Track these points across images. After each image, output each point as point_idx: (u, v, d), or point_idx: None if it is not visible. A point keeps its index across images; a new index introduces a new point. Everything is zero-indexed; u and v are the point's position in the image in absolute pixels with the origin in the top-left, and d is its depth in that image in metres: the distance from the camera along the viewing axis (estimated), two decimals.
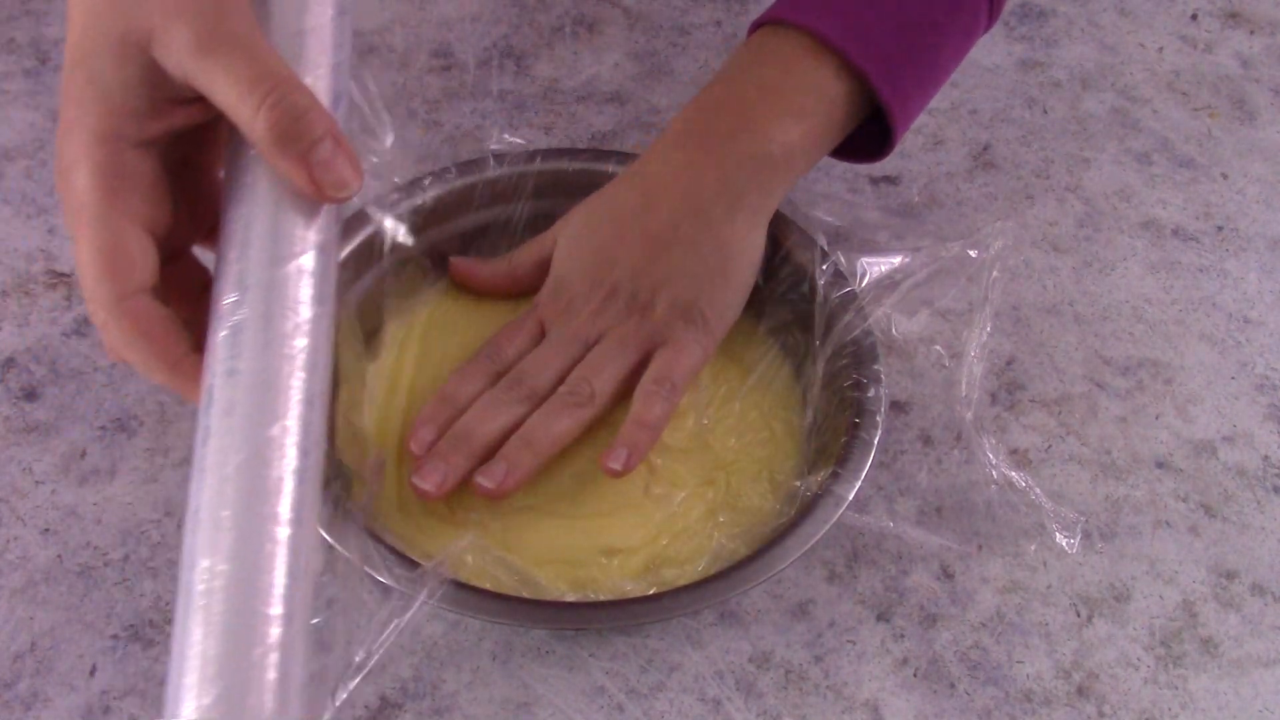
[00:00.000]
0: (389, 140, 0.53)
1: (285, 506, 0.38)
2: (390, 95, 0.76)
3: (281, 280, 0.41)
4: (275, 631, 0.37)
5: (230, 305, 0.40)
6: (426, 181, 0.62)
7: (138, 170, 0.42)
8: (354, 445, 0.57)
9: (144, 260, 0.42)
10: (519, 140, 0.65)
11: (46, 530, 0.56)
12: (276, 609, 0.37)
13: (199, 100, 0.41)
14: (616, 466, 0.54)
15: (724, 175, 0.58)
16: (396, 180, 0.62)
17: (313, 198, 0.41)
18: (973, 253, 0.60)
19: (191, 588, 0.37)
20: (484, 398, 0.56)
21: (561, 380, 0.56)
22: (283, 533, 0.38)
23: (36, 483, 0.58)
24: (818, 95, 0.59)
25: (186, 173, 0.45)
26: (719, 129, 0.59)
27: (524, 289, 0.62)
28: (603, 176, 0.62)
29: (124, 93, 0.41)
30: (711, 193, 0.58)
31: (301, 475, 0.39)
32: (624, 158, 0.63)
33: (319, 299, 0.41)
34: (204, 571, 0.37)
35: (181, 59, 0.40)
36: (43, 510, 0.57)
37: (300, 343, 0.40)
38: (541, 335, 0.59)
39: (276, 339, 0.40)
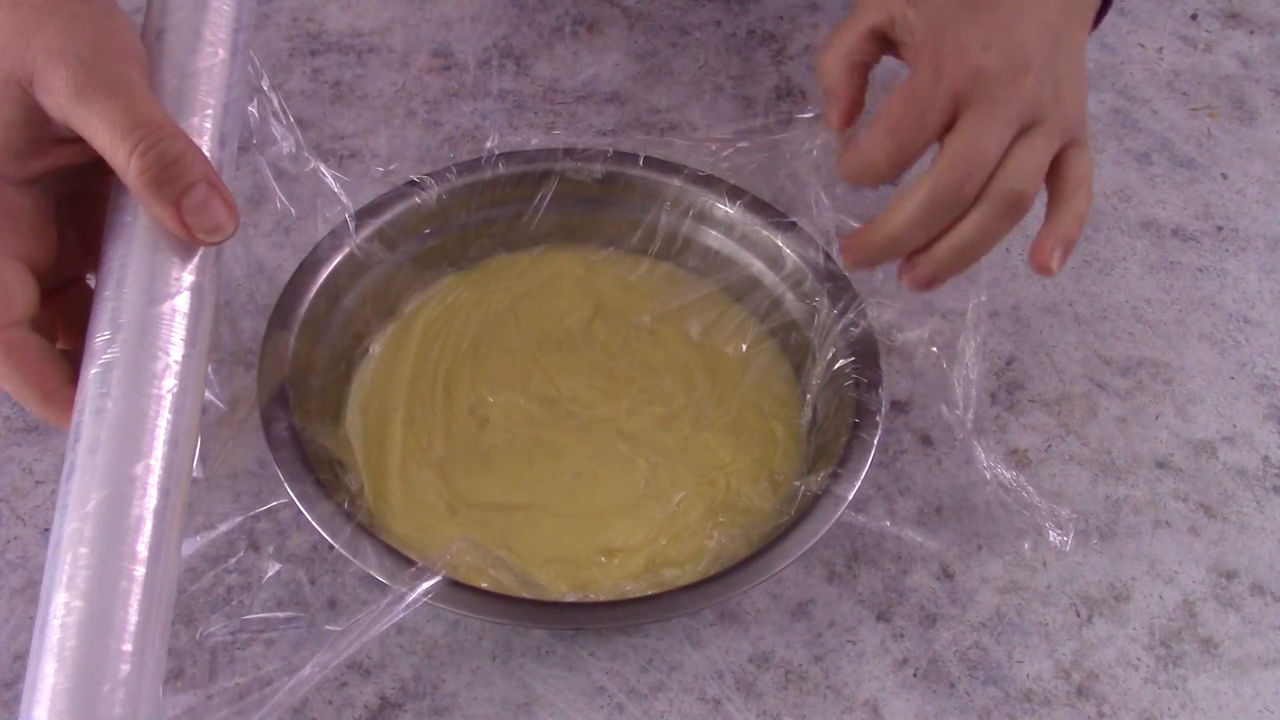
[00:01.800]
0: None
1: (143, 544, 0.39)
2: (390, 95, 0.76)
3: (154, 320, 0.42)
4: (125, 668, 0.38)
5: (102, 343, 0.41)
6: (426, 181, 0.62)
7: (18, 208, 0.43)
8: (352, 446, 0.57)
9: (21, 294, 0.43)
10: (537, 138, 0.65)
11: (46, 530, 0.56)
12: (128, 645, 0.38)
13: (82, 140, 0.42)
14: (1055, 266, 0.52)
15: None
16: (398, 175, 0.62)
17: (186, 240, 0.42)
18: None
19: (47, 621, 0.38)
20: (923, 201, 0.52)
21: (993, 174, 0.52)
22: (139, 571, 0.39)
23: (36, 483, 0.58)
24: None
25: (81, 204, 0.46)
26: None
27: (858, 99, 0.57)
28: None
29: (4, 132, 0.42)
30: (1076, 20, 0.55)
31: (161, 514, 0.40)
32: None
33: (190, 340, 0.42)
34: (59, 606, 0.38)
35: (60, 102, 0.41)
36: (43, 510, 0.57)
37: (169, 383, 0.41)
38: (954, 113, 0.52)
39: (145, 379, 0.41)
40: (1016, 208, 0.52)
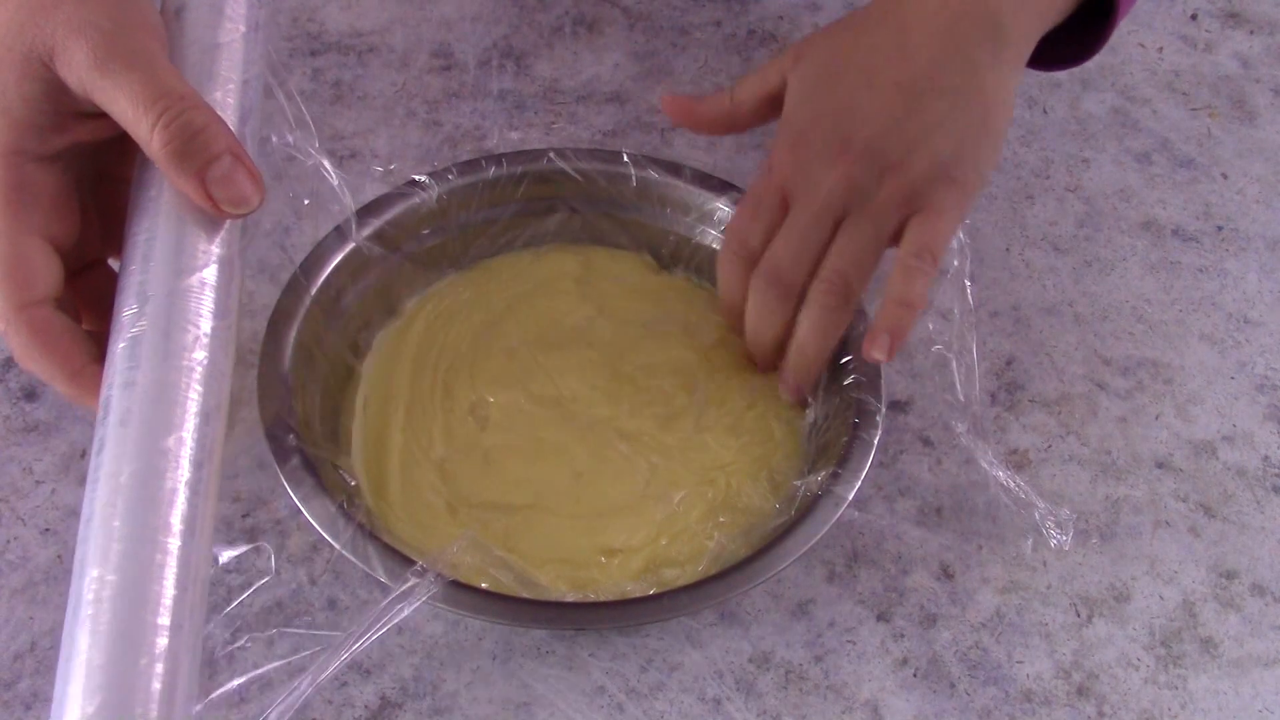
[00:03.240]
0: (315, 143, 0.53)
1: (177, 518, 0.39)
2: (390, 95, 0.76)
3: (183, 293, 0.41)
4: (162, 641, 0.37)
5: (130, 317, 0.41)
6: (426, 181, 0.62)
7: (40, 184, 0.43)
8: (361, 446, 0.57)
9: (46, 272, 0.42)
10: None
11: (46, 530, 0.56)
12: (164, 619, 0.37)
13: (103, 116, 0.42)
14: (881, 355, 0.51)
15: (992, 12, 0.52)
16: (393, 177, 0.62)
17: (211, 213, 0.42)
18: None
19: (80, 596, 0.37)
20: (751, 303, 0.55)
21: (816, 263, 0.53)
22: (173, 544, 0.38)
23: (37, 483, 0.58)
24: None
25: (102, 186, 0.46)
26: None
27: (744, 125, 0.58)
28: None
29: (26, 108, 0.41)
30: (978, 32, 0.52)
31: (194, 488, 0.39)
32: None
33: (220, 312, 0.42)
34: (93, 581, 0.37)
35: (81, 75, 0.41)
36: (43, 510, 0.57)
37: (199, 355, 0.41)
38: (784, 205, 0.54)
39: (175, 351, 0.40)
40: (837, 299, 0.53)
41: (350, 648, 0.46)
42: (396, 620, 0.47)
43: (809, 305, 0.54)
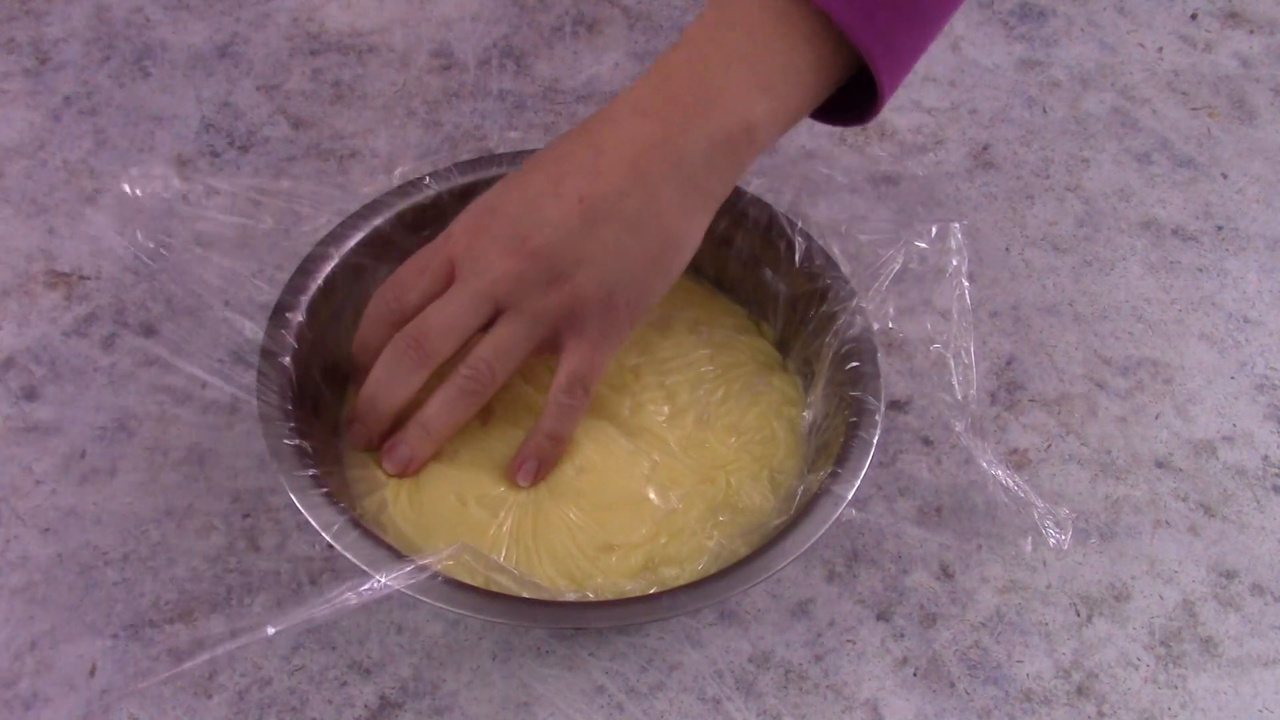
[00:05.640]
0: None
1: None
2: (390, 95, 0.76)
3: None
4: None
5: None
6: (426, 180, 0.62)
7: None
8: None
9: None
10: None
11: (47, 530, 0.56)
12: None
13: None
14: (525, 482, 0.55)
15: (681, 156, 0.52)
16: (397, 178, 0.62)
17: None
18: (921, 244, 0.59)
19: None
20: (384, 358, 0.54)
21: (462, 343, 0.54)
22: None
23: (36, 483, 0.58)
24: (790, 62, 0.52)
25: None
26: (682, 100, 0.52)
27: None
28: None
29: None
30: (665, 171, 0.52)
31: None
32: None
33: None
34: None
35: None
36: (43, 510, 0.57)
37: None
38: (450, 277, 0.54)
39: None
40: (477, 385, 0.54)
41: (318, 614, 0.47)
42: (376, 598, 0.47)
43: (448, 385, 0.54)
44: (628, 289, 0.53)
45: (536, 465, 0.55)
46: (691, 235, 0.54)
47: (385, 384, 0.54)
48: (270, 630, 0.48)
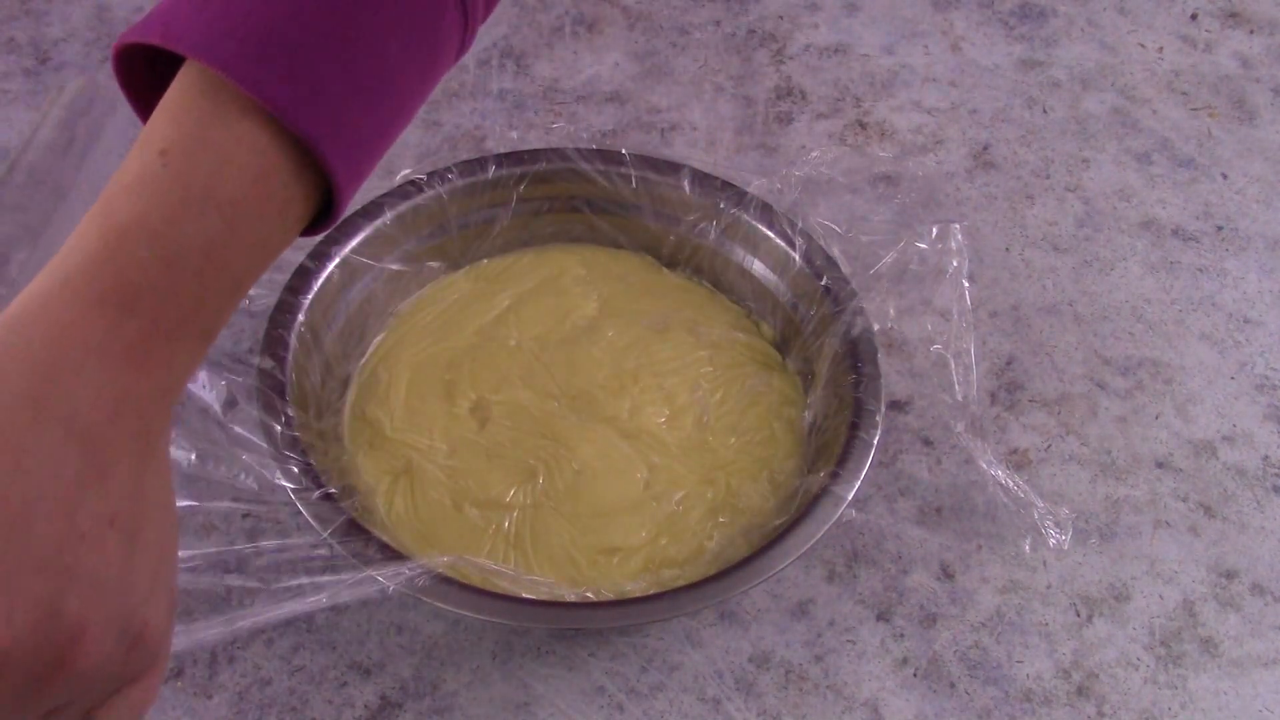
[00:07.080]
0: None
1: None
2: None
3: None
4: None
5: None
6: (427, 181, 0.62)
7: None
8: (367, 446, 0.57)
9: None
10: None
11: None
12: None
13: None
14: None
15: (142, 408, 0.38)
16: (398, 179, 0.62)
17: None
18: (921, 245, 0.59)
19: None
20: None
21: None
22: None
23: None
24: (267, 231, 0.42)
25: None
26: (164, 322, 0.40)
27: None
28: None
29: None
30: (129, 433, 0.37)
31: None
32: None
33: None
34: None
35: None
36: None
37: None
38: None
39: None
40: None
41: (301, 604, 0.46)
42: (379, 596, 0.46)
43: None
44: (138, 609, 0.38)
45: None
46: (168, 496, 0.39)
47: None
48: (270, 631, 0.48)
